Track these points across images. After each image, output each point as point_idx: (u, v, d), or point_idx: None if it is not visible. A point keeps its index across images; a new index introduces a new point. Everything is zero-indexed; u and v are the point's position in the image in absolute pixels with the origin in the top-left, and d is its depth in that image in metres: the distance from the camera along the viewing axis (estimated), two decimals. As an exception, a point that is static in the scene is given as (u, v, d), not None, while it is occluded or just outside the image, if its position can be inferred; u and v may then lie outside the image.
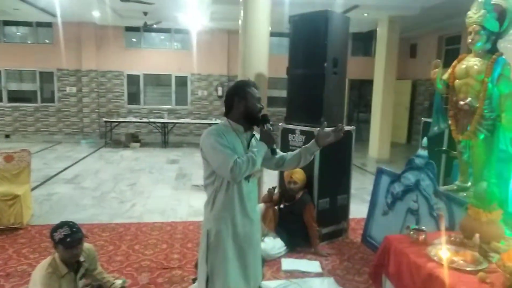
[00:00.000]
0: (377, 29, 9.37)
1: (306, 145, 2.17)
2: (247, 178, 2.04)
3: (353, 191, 4.77)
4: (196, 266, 3.01)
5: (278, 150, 2.18)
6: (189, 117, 11.67)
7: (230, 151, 1.92)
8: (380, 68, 9.32)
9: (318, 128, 2.22)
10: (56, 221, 2.47)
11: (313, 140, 2.14)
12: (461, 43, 9.69)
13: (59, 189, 6.04)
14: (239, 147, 2.01)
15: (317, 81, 3.79)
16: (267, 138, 2.02)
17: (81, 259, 2.43)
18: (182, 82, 12.01)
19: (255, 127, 2.11)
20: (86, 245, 2.55)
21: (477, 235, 2.18)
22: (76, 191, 5.92)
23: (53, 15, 9.54)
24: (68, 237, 2.27)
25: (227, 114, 2.08)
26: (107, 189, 6.10)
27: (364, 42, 12.31)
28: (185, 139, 11.78)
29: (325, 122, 2.20)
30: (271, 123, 2.04)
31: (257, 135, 2.12)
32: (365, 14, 8.46)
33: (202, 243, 2.11)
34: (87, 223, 4.50)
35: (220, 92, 11.81)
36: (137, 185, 6.35)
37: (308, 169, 3.80)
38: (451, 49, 10.23)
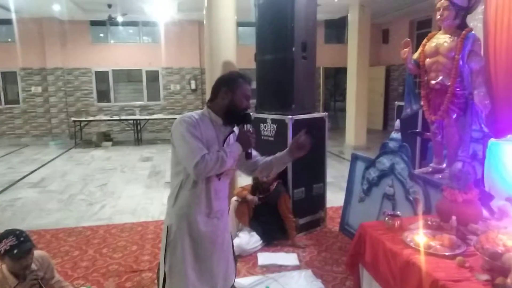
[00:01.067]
0: (349, 15, 9.31)
1: (277, 155, 2.00)
2: (218, 175, 1.88)
3: (331, 179, 4.70)
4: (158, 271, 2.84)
5: (254, 153, 2.01)
6: (162, 113, 11.40)
7: (201, 144, 1.75)
8: (353, 55, 9.28)
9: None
10: (19, 227, 2.25)
11: (286, 151, 1.97)
12: (431, 27, 9.75)
13: (23, 194, 5.72)
14: (213, 141, 1.84)
15: (286, 66, 3.65)
16: (243, 140, 1.85)
17: (34, 267, 2.22)
18: (153, 76, 11.69)
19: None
20: (39, 252, 2.34)
21: (453, 218, 2.09)
22: (42, 195, 5.63)
23: (10, 10, 9.02)
24: (15, 248, 2.05)
25: (210, 102, 1.91)
26: (75, 191, 5.83)
27: (337, 29, 12.27)
28: (159, 136, 11.50)
29: (303, 131, 1.99)
30: (251, 126, 1.88)
31: (237, 131, 1.95)
32: (336, 0, 8.37)
33: (162, 239, 1.95)
34: (52, 228, 4.26)
35: (193, 86, 11.57)
36: (107, 186, 6.12)
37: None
38: (422, 33, 10.28)
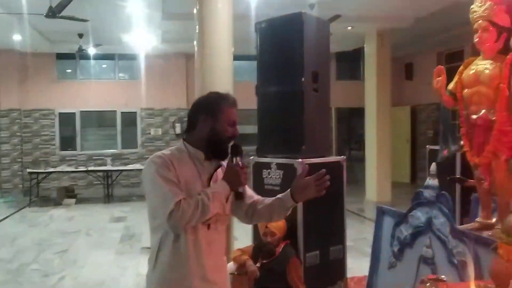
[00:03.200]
0: (365, 46, 9.66)
1: (280, 196, 1.96)
2: (207, 224, 1.83)
3: (350, 242, 4.63)
4: None
5: (250, 192, 2.00)
6: (139, 163, 11.41)
7: (176, 188, 1.72)
8: (372, 94, 9.54)
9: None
10: None
11: (288, 191, 1.93)
12: (464, 60, 10.06)
13: (-40, 263, 5.58)
14: (195, 182, 1.82)
15: (294, 100, 3.70)
16: (232, 177, 1.81)
17: None
18: (130, 119, 11.90)
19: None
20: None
21: (513, 282, 2.02)
22: (-15, 264, 5.49)
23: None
24: None
25: (187, 134, 1.92)
26: (27, 259, 5.74)
27: (351, 63, 12.68)
28: (135, 191, 11.45)
29: (307, 165, 2.01)
30: (240, 159, 1.86)
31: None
32: (349, 28, 8.72)
33: None
34: (-5, 306, 4.09)
35: (178, 130, 11.69)
36: (68, 252, 6.06)
37: (289, 215, 3.62)
38: (453, 67, 10.55)
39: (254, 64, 4.13)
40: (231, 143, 1.88)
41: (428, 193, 3.15)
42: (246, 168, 1.87)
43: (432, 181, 3.14)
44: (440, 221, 3.04)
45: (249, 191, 2.01)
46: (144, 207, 1.77)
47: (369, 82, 9.65)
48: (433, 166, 3.17)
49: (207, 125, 1.85)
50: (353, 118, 13.22)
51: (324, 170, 1.88)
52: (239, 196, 1.89)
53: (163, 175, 1.73)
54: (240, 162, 1.85)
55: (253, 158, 4.01)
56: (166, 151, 1.86)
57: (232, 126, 1.88)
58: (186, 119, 7.50)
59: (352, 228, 6.60)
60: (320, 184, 1.86)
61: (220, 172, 1.92)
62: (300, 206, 3.63)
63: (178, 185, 1.74)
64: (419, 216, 3.23)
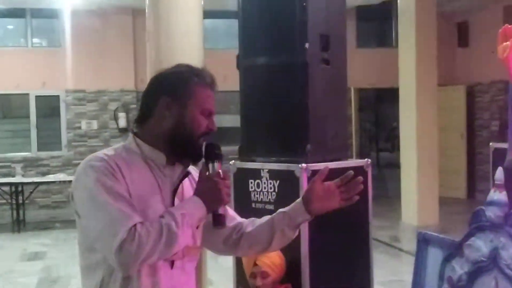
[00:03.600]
0: (398, -3, 9.72)
1: (285, 209, 2.01)
2: (170, 260, 1.85)
3: (380, 287, 4.67)
4: None
5: (232, 213, 2.06)
6: (65, 172, 11.41)
7: (128, 206, 1.71)
8: (409, 68, 9.57)
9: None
10: None
11: (298, 201, 1.98)
12: (543, 17, 10.18)
13: None
14: (152, 197, 1.83)
15: (294, 77, 3.71)
16: (209, 193, 1.81)
17: None
18: (49, 107, 11.93)
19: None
20: None
21: None
22: None
23: None
24: None
25: (138, 125, 1.94)
26: None
27: (379, 22, 12.72)
28: (58, 214, 11.52)
29: (327, 167, 2.02)
30: (219, 166, 1.88)
31: (196, 174, 1.95)
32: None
33: None
34: None
35: (123, 122, 11.68)
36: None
37: (289, 246, 3.64)
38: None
39: (234, 24, 4.13)
40: (206, 142, 1.89)
41: (492, 213, 3.18)
42: (229, 179, 1.89)
43: (498, 195, 3.17)
44: (510, 253, 3.08)
45: (230, 211, 2.05)
46: (73, 237, 1.74)
47: (405, 51, 9.68)
48: (499, 172, 3.21)
49: (172, 114, 1.85)
50: (382, 103, 13.31)
51: (351, 171, 1.94)
52: (219, 220, 1.88)
53: (108, 187, 1.71)
54: (220, 170, 1.86)
55: (234, 163, 4.02)
56: (108, 151, 1.86)
57: (208, 116, 1.89)
58: (135, 106, 7.61)
59: (382, 266, 6.66)
60: (348, 190, 1.93)
61: (187, 184, 1.94)
62: (304, 232, 3.64)
63: (131, 201, 1.74)
64: (480, 246, 3.27)
